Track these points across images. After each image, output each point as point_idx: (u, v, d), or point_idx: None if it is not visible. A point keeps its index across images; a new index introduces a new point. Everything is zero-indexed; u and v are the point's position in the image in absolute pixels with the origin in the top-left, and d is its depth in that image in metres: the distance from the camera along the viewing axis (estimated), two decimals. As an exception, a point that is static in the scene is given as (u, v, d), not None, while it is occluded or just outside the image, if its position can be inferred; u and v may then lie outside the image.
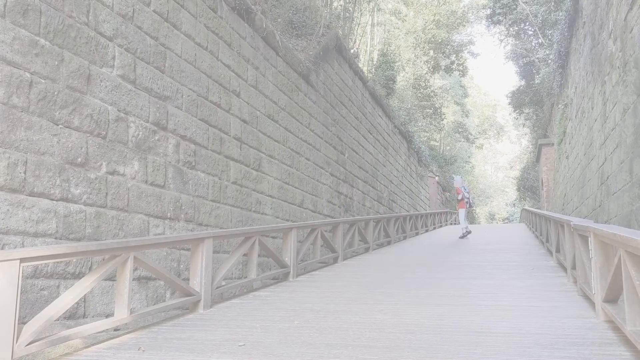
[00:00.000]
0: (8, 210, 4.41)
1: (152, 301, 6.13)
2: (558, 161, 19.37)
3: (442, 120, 33.21)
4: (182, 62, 7.18)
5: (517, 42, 26.22)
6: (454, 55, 30.07)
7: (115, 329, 4.73)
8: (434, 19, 29.16)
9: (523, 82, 27.11)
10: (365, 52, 24.68)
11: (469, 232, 15.57)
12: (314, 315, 5.17)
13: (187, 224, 7.00)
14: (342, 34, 17.53)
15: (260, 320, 5.00)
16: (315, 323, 4.80)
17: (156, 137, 6.50)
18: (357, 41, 21.76)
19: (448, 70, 31.13)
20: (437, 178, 32.27)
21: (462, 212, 15.73)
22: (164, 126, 6.68)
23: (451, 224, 25.27)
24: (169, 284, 5.54)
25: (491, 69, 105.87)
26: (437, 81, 35.98)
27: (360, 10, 22.14)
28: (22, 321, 3.90)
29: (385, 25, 28.05)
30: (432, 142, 35.16)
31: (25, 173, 4.61)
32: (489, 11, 25.84)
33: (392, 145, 21.18)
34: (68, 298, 4.04)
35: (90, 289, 4.55)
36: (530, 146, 32.73)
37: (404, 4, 30.22)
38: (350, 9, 20.06)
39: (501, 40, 27.97)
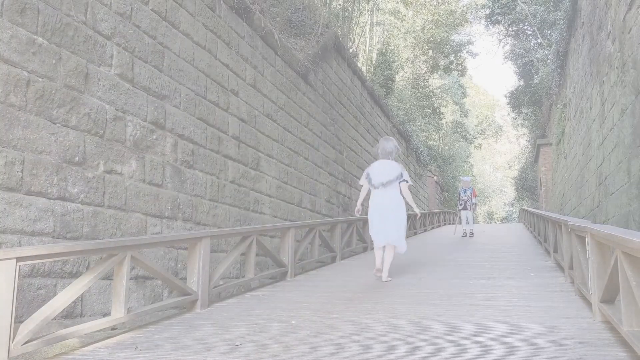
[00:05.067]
0: (5, 209, 4.40)
1: (150, 300, 6.13)
2: (556, 161, 19.39)
3: (441, 120, 33.19)
4: (180, 61, 7.17)
5: (516, 42, 26.24)
6: (453, 55, 30.03)
7: (113, 328, 4.73)
8: (433, 19, 29.13)
9: (522, 82, 27.12)
10: (364, 51, 24.67)
11: (465, 234, 15.64)
12: (311, 315, 5.17)
13: (184, 223, 7.00)
14: (341, 33, 17.51)
15: (257, 320, 4.99)
16: (312, 323, 4.80)
17: (154, 136, 6.50)
18: (356, 41, 21.74)
19: (447, 70, 31.09)
20: (435, 178, 32.28)
21: (462, 213, 15.85)
22: (162, 125, 6.68)
23: (451, 223, 25.26)
24: (167, 283, 5.54)
25: (490, 69, 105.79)
26: (436, 81, 35.96)
27: (360, 10, 22.13)
28: (19, 320, 3.89)
29: (384, 24, 28.02)
30: (430, 142, 35.15)
31: (22, 172, 4.60)
32: (488, 11, 25.83)
33: (390, 144, 21.15)
34: (65, 297, 4.04)
35: (88, 288, 4.55)
36: (529, 146, 32.72)
37: (403, 3, 30.16)
38: (349, 8, 20.05)
39: (500, 40, 28.02)
